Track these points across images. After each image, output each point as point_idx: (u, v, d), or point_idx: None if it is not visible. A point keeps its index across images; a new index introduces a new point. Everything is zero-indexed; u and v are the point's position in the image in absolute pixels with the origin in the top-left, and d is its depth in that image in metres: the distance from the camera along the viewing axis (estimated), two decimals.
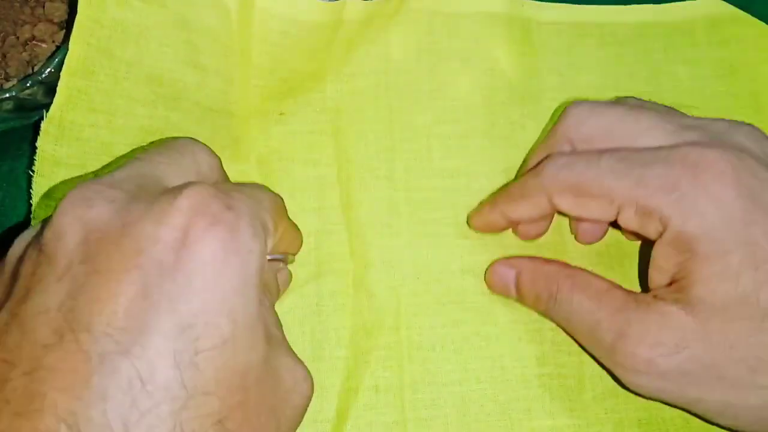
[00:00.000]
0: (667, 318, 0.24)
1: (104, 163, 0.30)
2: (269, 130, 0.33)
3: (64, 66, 0.29)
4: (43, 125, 0.28)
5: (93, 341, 0.16)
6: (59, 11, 0.32)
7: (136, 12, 0.30)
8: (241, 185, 0.22)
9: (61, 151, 0.29)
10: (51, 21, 0.32)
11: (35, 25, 0.32)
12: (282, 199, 0.24)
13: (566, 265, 0.29)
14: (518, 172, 0.33)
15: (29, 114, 0.32)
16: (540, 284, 0.28)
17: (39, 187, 0.29)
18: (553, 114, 0.34)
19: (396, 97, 0.34)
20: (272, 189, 0.24)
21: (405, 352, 0.30)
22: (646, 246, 0.28)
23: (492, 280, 0.30)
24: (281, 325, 0.23)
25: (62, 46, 0.30)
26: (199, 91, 0.32)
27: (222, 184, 0.21)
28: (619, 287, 0.27)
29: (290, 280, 0.29)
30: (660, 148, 0.25)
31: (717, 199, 0.24)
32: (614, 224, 0.28)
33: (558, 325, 0.29)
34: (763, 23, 0.36)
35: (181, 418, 0.17)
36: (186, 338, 0.17)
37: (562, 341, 0.30)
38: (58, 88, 0.29)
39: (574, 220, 0.31)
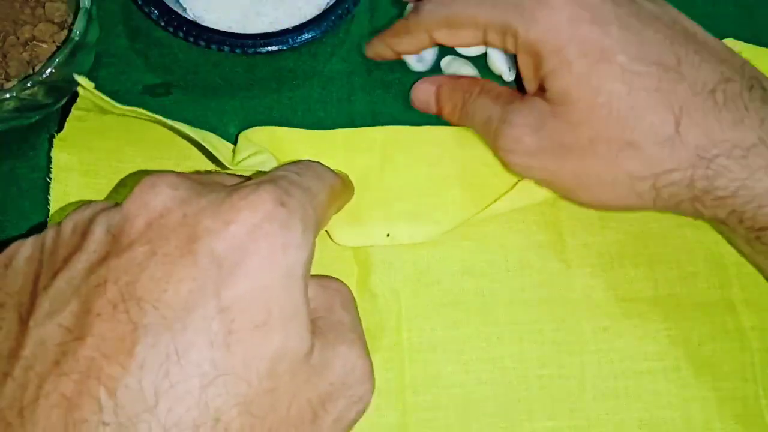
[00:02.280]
0: (533, 105, 0.29)
1: (115, 168, 0.32)
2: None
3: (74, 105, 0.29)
4: (55, 141, 0.31)
5: (141, 314, 0.18)
6: (59, 11, 0.32)
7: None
8: (300, 173, 0.24)
9: (72, 158, 0.31)
10: (51, 21, 0.32)
11: (35, 26, 0.32)
12: (341, 179, 0.26)
13: (477, 79, 0.34)
14: None
15: (29, 114, 0.32)
16: (457, 94, 0.33)
17: (56, 193, 0.31)
18: None
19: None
20: None
21: (406, 353, 0.30)
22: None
23: (416, 96, 0.34)
24: (354, 312, 0.24)
25: (62, 47, 0.30)
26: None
27: (281, 176, 0.22)
28: (516, 92, 0.31)
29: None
30: None
31: (549, 7, 0.27)
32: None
33: (466, 125, 0.33)
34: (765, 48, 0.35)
35: (207, 393, 0.18)
36: (222, 320, 0.18)
37: (562, 342, 0.30)
38: (67, 122, 0.30)
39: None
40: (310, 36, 0.33)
